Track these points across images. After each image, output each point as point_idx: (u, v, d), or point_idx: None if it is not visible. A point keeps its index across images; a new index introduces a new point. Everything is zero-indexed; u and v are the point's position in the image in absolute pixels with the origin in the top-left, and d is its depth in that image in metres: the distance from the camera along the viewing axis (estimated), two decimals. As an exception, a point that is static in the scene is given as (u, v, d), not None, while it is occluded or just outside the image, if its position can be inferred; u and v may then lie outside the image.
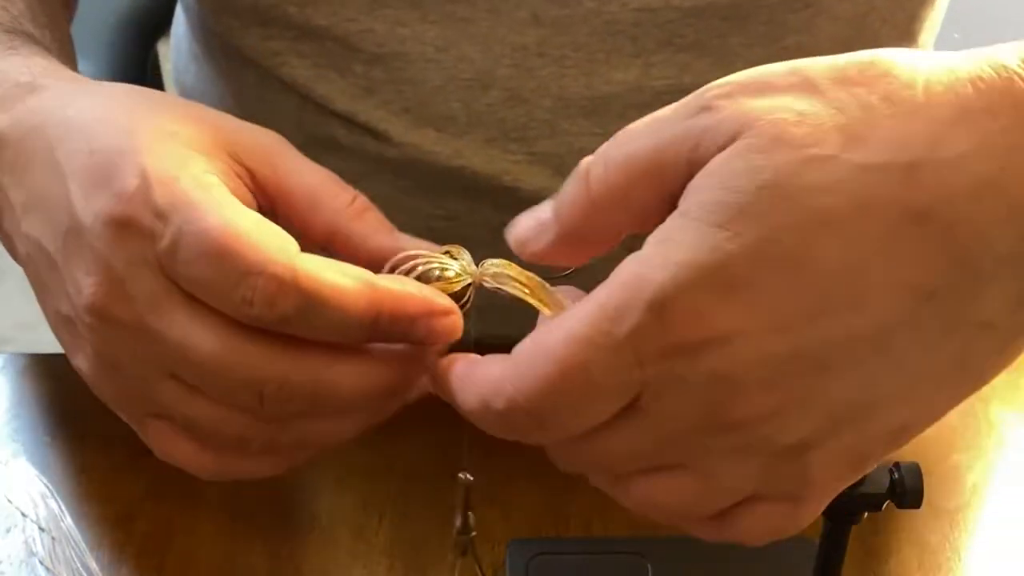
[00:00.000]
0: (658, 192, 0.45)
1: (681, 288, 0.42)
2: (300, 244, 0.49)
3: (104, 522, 0.64)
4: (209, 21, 0.79)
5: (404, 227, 0.55)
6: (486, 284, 0.51)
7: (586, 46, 0.71)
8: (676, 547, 0.61)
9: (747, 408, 0.43)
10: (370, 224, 0.54)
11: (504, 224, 0.50)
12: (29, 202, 0.54)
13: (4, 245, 0.57)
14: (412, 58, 0.72)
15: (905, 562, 0.64)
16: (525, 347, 0.45)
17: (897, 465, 0.52)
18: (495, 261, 0.51)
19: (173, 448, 0.53)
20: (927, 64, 0.43)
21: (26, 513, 0.64)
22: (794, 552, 0.56)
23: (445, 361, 0.49)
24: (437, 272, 0.51)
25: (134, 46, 1.08)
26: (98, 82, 0.58)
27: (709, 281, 0.42)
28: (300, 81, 0.75)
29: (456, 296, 0.51)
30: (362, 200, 0.55)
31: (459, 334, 0.50)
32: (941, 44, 0.83)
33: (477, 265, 0.52)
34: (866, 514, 0.53)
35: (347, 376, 0.50)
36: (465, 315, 0.51)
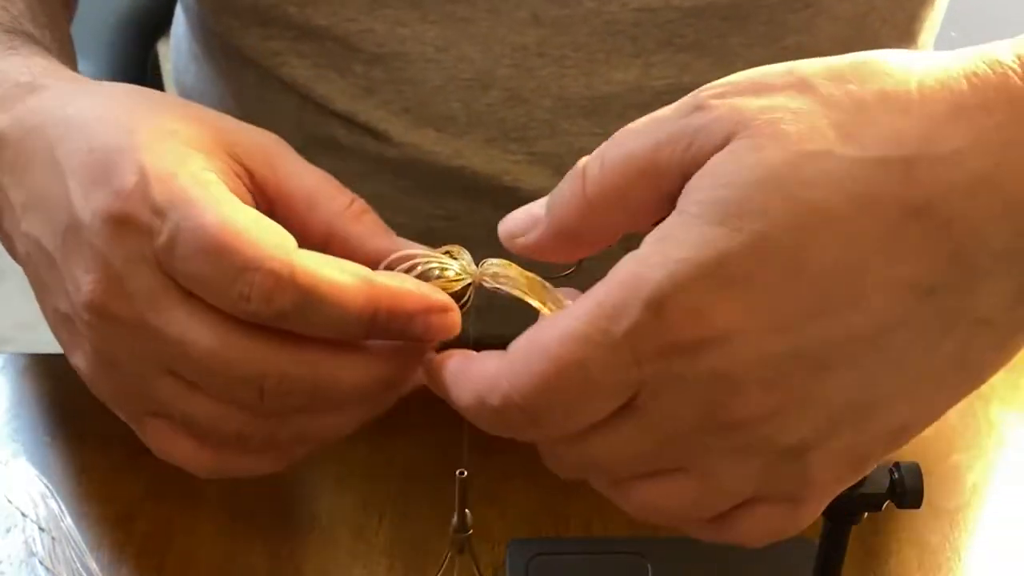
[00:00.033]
0: (654, 192, 0.45)
1: (679, 286, 0.42)
2: (298, 245, 0.49)
3: (104, 522, 0.64)
4: (209, 21, 0.79)
5: (404, 227, 0.55)
6: (486, 284, 0.51)
7: (586, 46, 0.71)
8: (676, 547, 0.61)
9: (746, 408, 0.43)
10: (368, 226, 0.54)
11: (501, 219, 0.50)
12: (29, 201, 0.54)
13: (4, 245, 0.58)
14: (412, 58, 0.72)
15: (905, 562, 0.64)
16: (521, 344, 0.45)
17: (897, 465, 0.52)
18: (495, 261, 0.51)
19: (171, 446, 0.53)
20: (921, 62, 0.44)
21: (26, 513, 0.64)
22: (794, 552, 0.56)
23: (440, 356, 0.49)
24: (437, 272, 0.51)
25: (134, 46, 1.08)
26: (98, 82, 0.58)
27: (708, 279, 0.42)
28: (300, 81, 0.75)
29: (456, 296, 0.51)
30: (360, 203, 0.55)
31: (457, 331, 0.50)
32: (940, 44, 0.83)
33: (477, 265, 0.52)
34: (866, 514, 0.53)
35: (347, 369, 0.50)
36: (465, 315, 0.51)
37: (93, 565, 0.62)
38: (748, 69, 0.45)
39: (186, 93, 0.87)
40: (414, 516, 0.65)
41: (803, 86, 0.44)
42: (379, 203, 0.57)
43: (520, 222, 0.49)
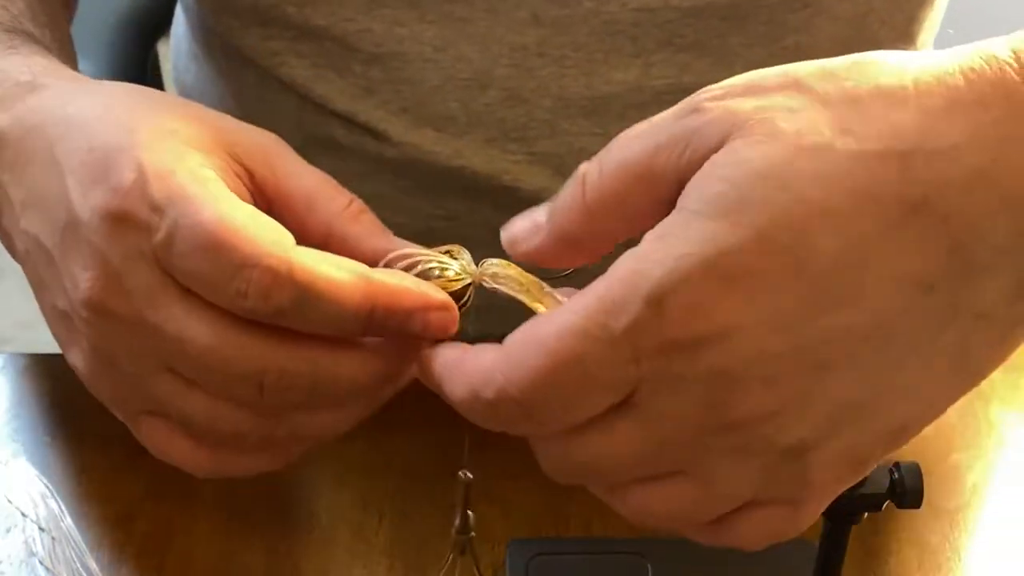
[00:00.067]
0: (651, 197, 0.45)
1: (680, 282, 0.42)
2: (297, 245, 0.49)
3: (104, 522, 0.64)
4: (209, 21, 0.79)
5: (404, 227, 0.55)
6: (485, 284, 0.51)
7: (586, 46, 0.71)
8: (676, 547, 0.61)
9: (746, 407, 0.43)
10: (366, 226, 0.54)
11: (504, 224, 0.50)
12: (28, 199, 0.54)
13: (3, 243, 0.58)
14: (410, 58, 0.72)
15: (905, 562, 0.64)
16: (518, 337, 0.45)
17: (897, 465, 0.52)
18: (495, 261, 0.51)
19: (168, 445, 0.53)
20: (917, 60, 0.44)
21: (26, 513, 0.64)
22: (794, 553, 0.56)
23: (434, 350, 0.49)
24: (437, 272, 0.51)
25: (134, 46, 1.08)
26: (98, 81, 0.58)
27: (708, 274, 0.42)
28: (299, 81, 0.75)
29: (456, 296, 0.51)
30: (358, 203, 0.55)
31: (454, 329, 0.50)
32: (938, 44, 0.83)
33: (477, 265, 0.52)
34: (866, 514, 0.53)
35: (345, 366, 0.50)
36: (464, 315, 0.51)
37: (93, 565, 0.62)
38: (747, 70, 0.45)
39: (186, 93, 0.87)
40: (414, 515, 0.65)
41: (798, 86, 0.44)
42: (379, 203, 0.57)
43: (522, 229, 0.49)
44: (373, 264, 0.52)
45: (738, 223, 0.42)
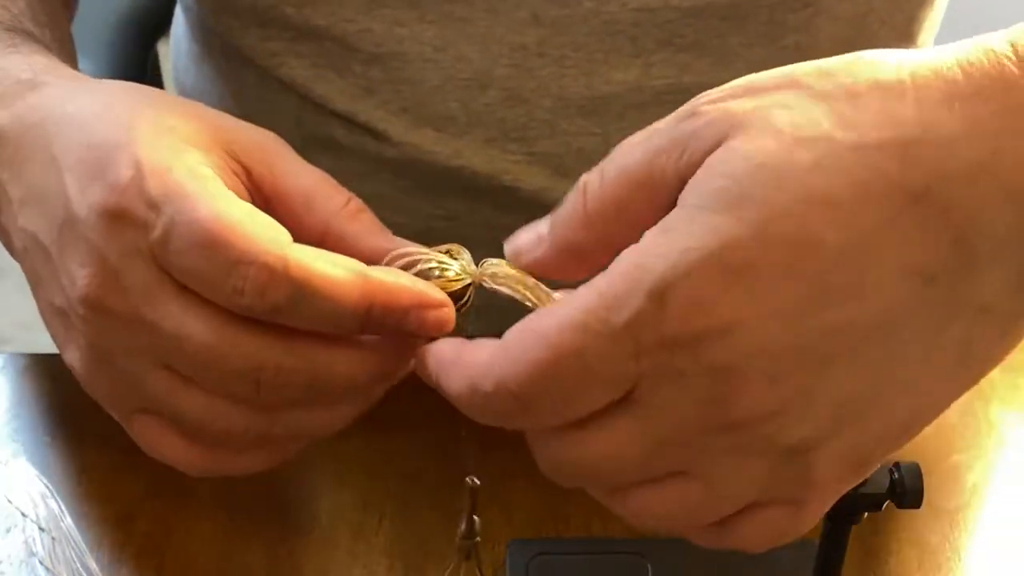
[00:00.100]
0: (652, 203, 0.45)
1: (683, 276, 0.42)
2: None
3: (104, 522, 0.64)
4: (209, 21, 0.79)
5: (403, 227, 0.55)
6: (485, 284, 0.51)
7: (585, 46, 0.71)
8: (676, 547, 0.61)
9: (749, 404, 0.43)
10: (364, 225, 0.55)
11: (504, 224, 0.50)
12: (26, 197, 0.54)
13: (2, 241, 0.58)
14: (410, 58, 0.72)
15: (905, 562, 0.64)
16: (517, 331, 0.45)
17: (897, 465, 0.52)
18: (495, 261, 0.51)
19: (161, 444, 0.53)
20: (914, 55, 0.44)
21: (26, 513, 0.64)
22: (794, 553, 0.56)
23: (433, 345, 0.49)
24: (437, 271, 0.51)
25: (134, 46, 1.08)
26: (98, 80, 0.58)
27: (711, 268, 0.42)
28: (299, 81, 0.75)
29: (456, 296, 0.51)
30: (356, 202, 0.55)
31: (451, 327, 0.50)
32: (938, 44, 0.83)
33: (477, 265, 0.52)
34: (866, 514, 0.53)
35: (342, 363, 0.50)
36: (465, 315, 0.51)
37: (93, 565, 0.62)
38: (748, 69, 0.45)
39: (186, 93, 0.87)
40: (414, 515, 0.65)
41: (795, 84, 0.44)
42: (378, 203, 0.57)
43: (525, 240, 0.49)
44: (371, 262, 0.52)
45: (740, 217, 0.42)
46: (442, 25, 0.71)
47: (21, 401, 0.70)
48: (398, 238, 0.55)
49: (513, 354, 0.44)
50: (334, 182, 0.55)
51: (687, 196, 0.43)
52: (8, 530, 0.63)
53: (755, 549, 0.47)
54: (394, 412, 0.62)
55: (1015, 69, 0.42)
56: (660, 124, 0.45)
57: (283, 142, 0.56)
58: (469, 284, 0.51)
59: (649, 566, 0.62)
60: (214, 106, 0.57)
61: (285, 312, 0.48)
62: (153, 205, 0.49)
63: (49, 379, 0.71)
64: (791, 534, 0.47)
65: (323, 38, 0.73)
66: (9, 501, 0.65)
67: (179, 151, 0.51)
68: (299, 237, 0.50)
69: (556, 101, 0.72)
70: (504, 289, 0.50)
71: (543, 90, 0.72)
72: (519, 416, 0.45)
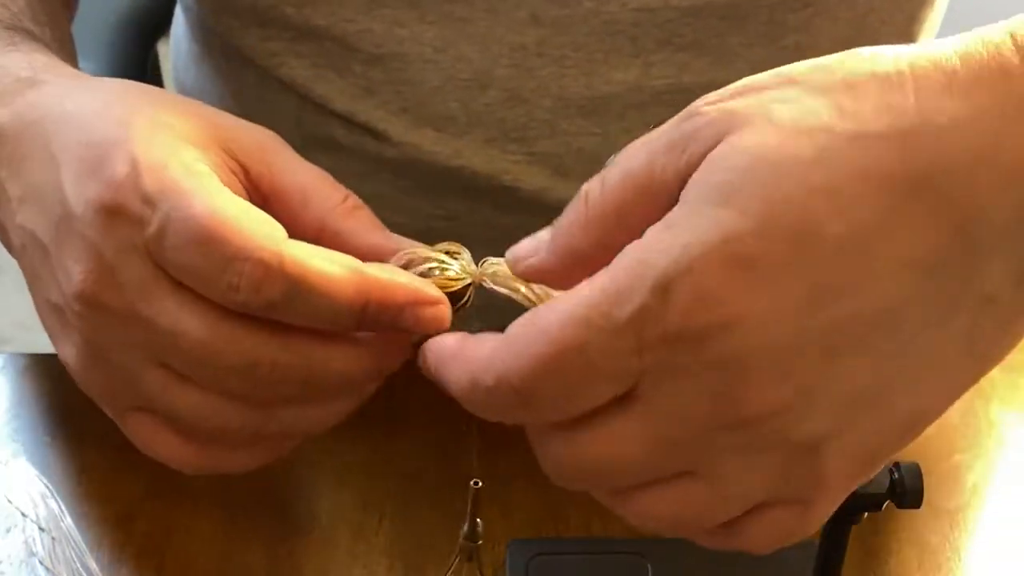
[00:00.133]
0: (654, 206, 0.44)
1: (686, 270, 0.41)
2: None
3: (104, 522, 0.64)
4: (208, 21, 0.79)
5: (404, 227, 0.55)
6: (485, 284, 0.51)
7: (585, 46, 0.71)
8: (676, 547, 0.61)
9: (756, 400, 0.43)
10: (361, 222, 0.55)
11: (504, 224, 0.50)
12: (25, 194, 0.54)
13: (1, 238, 0.58)
14: (410, 58, 0.72)
15: (905, 562, 0.64)
16: (519, 325, 0.44)
17: (897, 465, 0.52)
18: (495, 260, 0.51)
19: (156, 441, 0.53)
20: (912, 47, 0.44)
21: (26, 513, 0.64)
22: (794, 553, 0.55)
23: (435, 340, 0.48)
24: (437, 271, 0.52)
25: (134, 46, 1.08)
26: (98, 78, 0.59)
27: (714, 262, 0.41)
28: (299, 81, 0.75)
29: (456, 296, 0.51)
30: (354, 199, 0.55)
31: (447, 324, 0.50)
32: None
33: (477, 265, 0.52)
34: (866, 514, 0.53)
35: (338, 359, 0.50)
36: (465, 315, 0.51)
37: (93, 565, 0.62)
38: (747, 69, 0.45)
39: (186, 93, 0.87)
40: (414, 515, 0.65)
41: (793, 81, 0.44)
42: (378, 203, 0.57)
43: (526, 246, 0.49)
44: (368, 259, 0.52)
45: (742, 209, 0.41)
46: (442, 25, 0.71)
47: (21, 401, 0.70)
48: (395, 235, 0.55)
49: (515, 348, 0.44)
50: (331, 179, 0.55)
51: (689, 193, 0.43)
52: (8, 530, 0.63)
53: (762, 551, 0.47)
54: (394, 412, 0.62)
55: (1014, 59, 0.42)
56: (659, 129, 0.45)
57: (281, 140, 0.56)
58: (469, 284, 0.51)
59: (649, 566, 0.62)
60: (214, 106, 0.57)
61: (280, 308, 0.48)
62: (149, 201, 0.49)
63: (49, 379, 0.71)
64: (798, 535, 0.46)
65: (323, 38, 0.73)
66: (9, 501, 0.64)
67: (175, 148, 0.51)
68: (296, 234, 0.50)
69: (556, 101, 0.72)
70: (504, 289, 0.50)
71: (543, 90, 0.72)
72: (520, 411, 0.45)
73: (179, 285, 0.49)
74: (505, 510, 0.64)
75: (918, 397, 0.44)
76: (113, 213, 0.50)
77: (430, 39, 0.71)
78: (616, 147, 0.47)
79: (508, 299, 0.50)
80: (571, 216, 0.47)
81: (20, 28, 0.62)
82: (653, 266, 0.42)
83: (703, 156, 0.43)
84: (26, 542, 0.63)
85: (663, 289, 0.42)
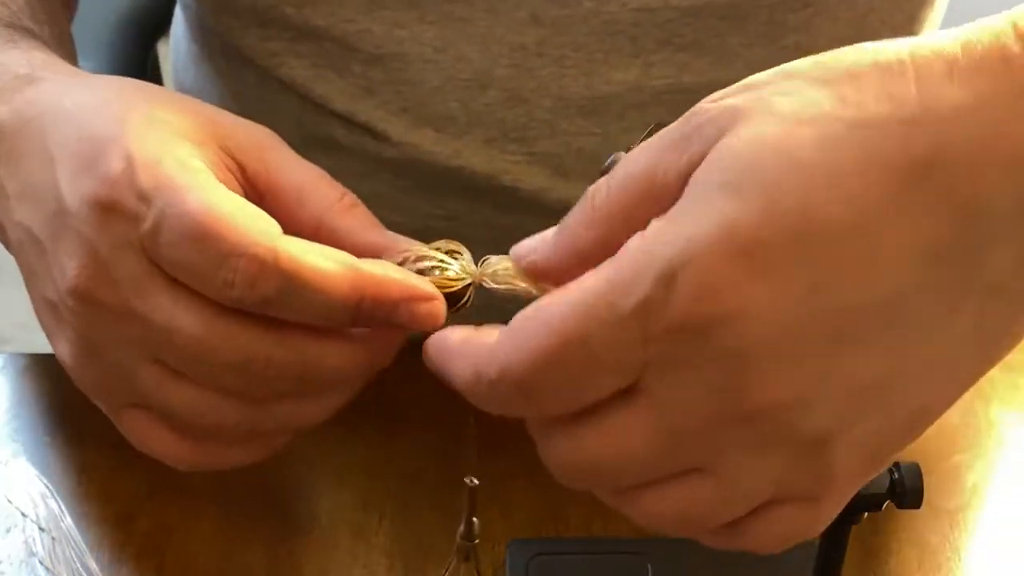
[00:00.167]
0: (658, 207, 0.44)
1: (691, 260, 0.41)
2: None
3: (104, 522, 0.64)
4: (208, 21, 0.79)
5: (403, 227, 0.55)
6: (485, 284, 0.51)
7: (585, 46, 0.71)
8: (676, 547, 0.61)
9: (763, 392, 0.42)
10: (358, 220, 0.55)
11: (504, 224, 0.50)
12: (23, 191, 0.54)
13: (-1, 236, 0.58)
14: (410, 58, 0.72)
15: (905, 562, 0.64)
16: (522, 318, 0.44)
17: (897, 465, 0.52)
18: (495, 259, 0.51)
19: (151, 438, 0.53)
20: (912, 40, 0.44)
21: (26, 513, 0.64)
22: (794, 552, 0.55)
23: (439, 333, 0.48)
24: (437, 271, 0.52)
25: (134, 46, 1.08)
26: (97, 75, 0.59)
27: (719, 252, 0.41)
28: (299, 81, 0.75)
29: (456, 296, 0.51)
30: (350, 197, 0.55)
31: (442, 320, 0.50)
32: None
33: (477, 265, 0.52)
34: (866, 514, 0.53)
35: (333, 355, 0.50)
36: (465, 315, 0.51)
37: (93, 565, 0.62)
38: (747, 69, 0.45)
39: (185, 93, 0.87)
40: (414, 515, 0.65)
41: (793, 75, 0.44)
42: (378, 203, 0.57)
43: (529, 244, 0.48)
44: (364, 256, 0.51)
45: (746, 199, 0.41)
46: (442, 26, 0.71)
47: (21, 401, 0.70)
48: (392, 233, 0.55)
49: (518, 341, 0.44)
50: (328, 177, 0.55)
51: (692, 186, 0.43)
52: (8, 530, 0.63)
53: (768, 550, 0.46)
54: (394, 413, 0.62)
55: (1015, 47, 0.42)
56: (666, 129, 0.45)
57: (278, 138, 0.56)
58: (469, 284, 0.51)
59: (649, 566, 0.62)
60: (213, 105, 0.57)
61: (275, 304, 0.48)
62: (144, 197, 0.49)
63: (49, 379, 0.71)
64: (805, 534, 0.46)
65: (323, 38, 0.73)
66: (9, 501, 0.64)
67: (171, 144, 0.51)
68: (292, 232, 0.50)
69: (556, 101, 0.72)
70: (504, 288, 0.50)
71: (543, 90, 0.72)
72: (523, 404, 0.45)
73: (174, 281, 0.49)
74: (505, 510, 0.64)
75: (925, 390, 0.44)
76: (108, 209, 0.50)
77: (430, 39, 0.71)
78: (616, 147, 0.47)
79: (508, 298, 0.50)
80: (577, 216, 0.47)
81: (19, 26, 0.63)
82: (658, 257, 0.42)
83: (704, 154, 0.43)
84: (26, 542, 0.63)
85: (668, 280, 0.41)
